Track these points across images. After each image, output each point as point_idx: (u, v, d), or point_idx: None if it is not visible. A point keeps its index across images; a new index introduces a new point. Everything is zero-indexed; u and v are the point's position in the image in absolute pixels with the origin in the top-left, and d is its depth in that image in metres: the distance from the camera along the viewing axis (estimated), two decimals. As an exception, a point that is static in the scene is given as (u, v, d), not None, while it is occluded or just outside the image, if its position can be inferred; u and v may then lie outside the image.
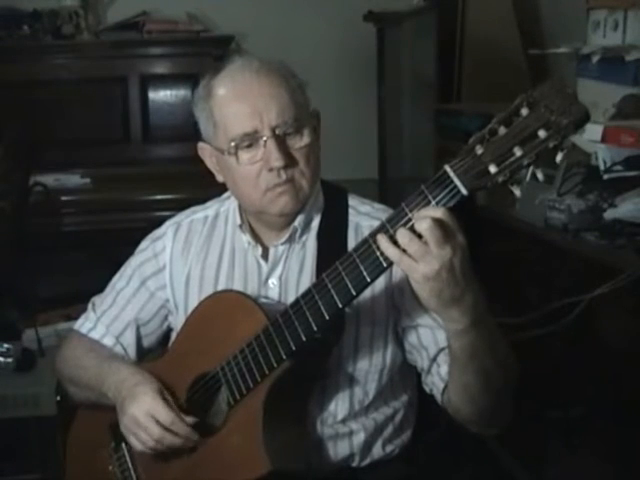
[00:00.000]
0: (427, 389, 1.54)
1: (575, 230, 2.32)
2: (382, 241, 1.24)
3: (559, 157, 1.16)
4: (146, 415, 1.48)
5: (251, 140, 1.46)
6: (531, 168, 1.19)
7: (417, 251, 1.20)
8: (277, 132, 1.45)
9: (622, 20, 2.68)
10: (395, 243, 1.23)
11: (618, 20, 2.69)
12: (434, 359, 1.49)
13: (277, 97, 1.45)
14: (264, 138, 1.44)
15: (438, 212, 1.20)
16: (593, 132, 2.45)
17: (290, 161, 1.45)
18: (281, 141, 1.45)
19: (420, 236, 1.21)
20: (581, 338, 2.31)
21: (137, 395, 1.50)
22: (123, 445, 1.62)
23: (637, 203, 2.26)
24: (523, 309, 2.51)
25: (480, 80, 3.47)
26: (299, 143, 1.47)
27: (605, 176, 2.39)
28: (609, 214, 2.28)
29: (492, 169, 1.17)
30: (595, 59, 2.72)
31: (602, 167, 2.41)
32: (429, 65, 3.56)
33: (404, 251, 1.22)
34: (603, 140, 2.42)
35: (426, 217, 1.20)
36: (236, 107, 1.46)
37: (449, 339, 1.35)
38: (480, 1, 3.68)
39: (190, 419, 1.48)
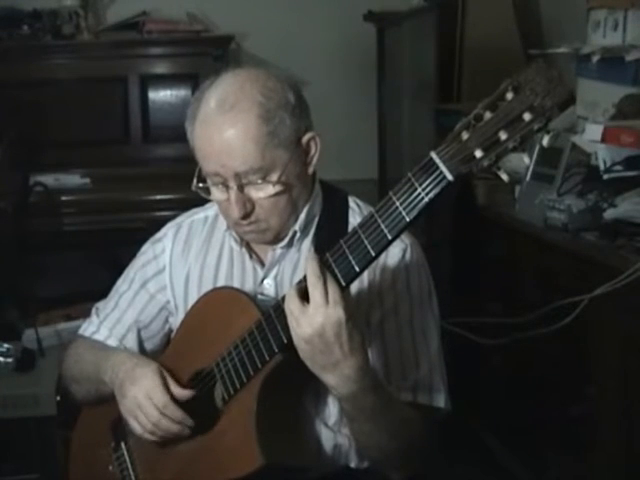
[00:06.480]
0: None
1: (575, 230, 2.32)
2: (289, 293, 1.30)
3: (546, 140, 1.16)
4: (145, 397, 1.48)
5: (221, 180, 1.45)
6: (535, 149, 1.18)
7: (295, 310, 1.28)
8: (242, 180, 1.43)
9: (622, 20, 2.68)
10: (304, 296, 1.28)
11: (618, 20, 2.69)
12: None
13: (241, 150, 1.41)
14: (229, 185, 1.45)
15: (331, 284, 1.26)
16: (593, 132, 2.45)
17: (252, 210, 1.46)
18: (243, 192, 1.44)
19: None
20: (581, 338, 2.31)
21: (137, 377, 1.51)
22: (122, 445, 1.62)
23: (637, 203, 2.26)
24: (523, 309, 2.51)
25: (480, 80, 3.48)
26: (262, 194, 1.45)
27: (605, 176, 2.39)
28: (609, 214, 2.28)
29: (478, 154, 1.16)
30: (595, 59, 2.72)
31: (602, 167, 2.41)
32: (429, 65, 3.55)
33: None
34: (603, 140, 2.42)
35: (315, 277, 1.26)
36: (205, 150, 1.45)
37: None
38: (480, 1, 3.68)
39: (186, 393, 1.48)
